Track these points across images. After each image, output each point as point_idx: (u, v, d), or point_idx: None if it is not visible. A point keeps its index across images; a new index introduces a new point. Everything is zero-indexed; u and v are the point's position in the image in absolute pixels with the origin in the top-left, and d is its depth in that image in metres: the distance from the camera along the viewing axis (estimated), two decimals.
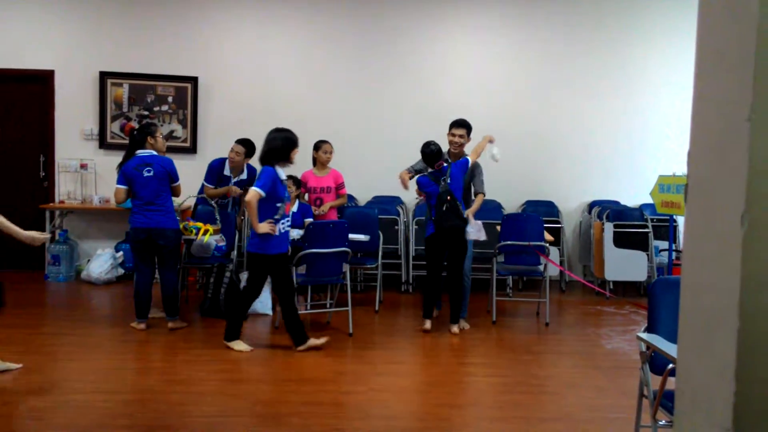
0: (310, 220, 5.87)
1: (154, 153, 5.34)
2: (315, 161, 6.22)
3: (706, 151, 1.17)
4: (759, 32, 0.98)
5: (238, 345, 4.92)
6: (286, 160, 4.86)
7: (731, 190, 1.06)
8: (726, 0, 1.11)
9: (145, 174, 5.25)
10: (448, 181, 5.38)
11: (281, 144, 4.79)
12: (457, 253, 5.51)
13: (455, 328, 5.51)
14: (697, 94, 1.22)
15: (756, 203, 1.02)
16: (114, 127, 7.70)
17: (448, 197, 5.33)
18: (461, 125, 5.72)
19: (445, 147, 5.68)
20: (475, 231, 5.45)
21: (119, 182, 5.34)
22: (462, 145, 5.73)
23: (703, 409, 1.15)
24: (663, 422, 2.78)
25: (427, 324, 5.51)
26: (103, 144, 7.70)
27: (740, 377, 1.03)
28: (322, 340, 4.99)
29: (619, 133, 7.97)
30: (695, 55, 1.23)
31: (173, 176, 5.36)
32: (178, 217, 5.57)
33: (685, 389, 1.24)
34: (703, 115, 1.19)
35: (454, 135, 5.68)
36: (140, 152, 5.33)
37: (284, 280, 4.93)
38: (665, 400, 2.68)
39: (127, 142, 7.45)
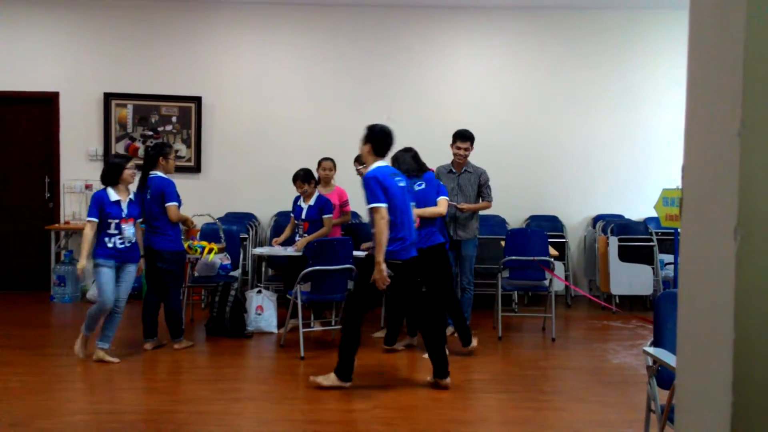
0: (329, 216, 5.88)
1: (159, 174, 5.36)
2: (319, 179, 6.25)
3: (699, 166, 1.19)
4: (746, 48, 1.00)
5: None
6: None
7: (724, 203, 1.07)
8: (714, 16, 1.13)
9: (147, 196, 5.30)
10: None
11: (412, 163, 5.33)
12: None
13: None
14: (689, 109, 1.24)
15: (748, 217, 1.03)
16: (119, 147, 7.75)
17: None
18: (467, 138, 5.72)
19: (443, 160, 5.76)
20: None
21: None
22: (466, 158, 5.78)
23: (701, 421, 1.15)
24: None
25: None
26: None
27: (737, 388, 1.04)
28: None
29: (623, 146, 7.97)
30: (687, 71, 1.25)
31: (165, 197, 5.25)
32: (183, 237, 5.58)
33: (684, 401, 1.25)
34: (696, 129, 1.21)
35: (459, 148, 5.71)
36: (150, 173, 5.36)
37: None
38: (673, 415, 2.67)
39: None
